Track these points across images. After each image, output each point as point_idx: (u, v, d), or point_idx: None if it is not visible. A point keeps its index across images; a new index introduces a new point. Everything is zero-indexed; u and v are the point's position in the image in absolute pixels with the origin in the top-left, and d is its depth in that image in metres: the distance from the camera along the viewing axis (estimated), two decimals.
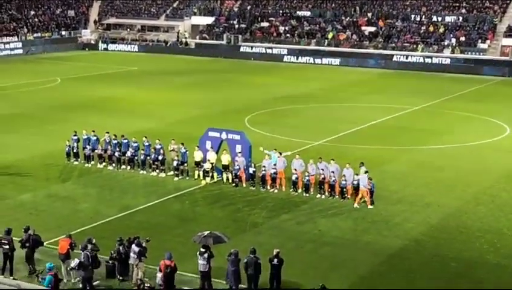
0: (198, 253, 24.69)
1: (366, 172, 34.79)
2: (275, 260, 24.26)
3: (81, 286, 24.50)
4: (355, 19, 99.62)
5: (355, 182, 34.58)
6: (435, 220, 32.29)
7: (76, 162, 41.06)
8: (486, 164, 42.54)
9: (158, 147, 39.26)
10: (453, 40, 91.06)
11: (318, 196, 35.40)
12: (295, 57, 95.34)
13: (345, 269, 26.80)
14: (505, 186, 37.92)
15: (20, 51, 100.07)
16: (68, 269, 25.08)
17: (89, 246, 24.70)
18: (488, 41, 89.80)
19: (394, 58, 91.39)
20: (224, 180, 37.65)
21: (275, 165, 36.58)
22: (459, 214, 33.28)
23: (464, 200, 35.37)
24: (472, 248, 29.17)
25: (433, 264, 27.35)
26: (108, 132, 41.31)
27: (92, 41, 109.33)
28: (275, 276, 24.26)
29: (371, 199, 33.96)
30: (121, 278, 25.50)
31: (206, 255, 24.47)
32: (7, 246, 25.52)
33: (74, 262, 24.47)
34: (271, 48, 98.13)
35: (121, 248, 25.53)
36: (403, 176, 39.49)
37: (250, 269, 24.18)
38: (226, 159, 37.68)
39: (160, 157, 39.02)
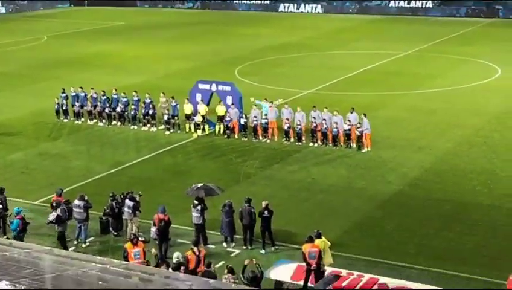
0: (191, 206, 24.67)
1: (364, 114, 34.75)
2: (266, 212, 24.14)
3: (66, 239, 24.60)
4: None
5: (347, 127, 34.47)
6: (428, 164, 32.32)
7: (66, 120, 40.80)
8: (478, 105, 42.47)
9: (148, 101, 39.00)
10: None
11: (311, 144, 35.32)
12: (285, 6, 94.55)
13: (339, 216, 26.85)
14: (496, 127, 37.92)
15: (3, 10, 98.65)
16: (46, 222, 24.95)
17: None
18: None
19: (383, 4, 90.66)
20: (217, 131, 37.47)
21: (266, 115, 36.41)
22: (452, 156, 33.30)
23: (457, 142, 35.38)
24: (465, 190, 29.24)
25: (427, 208, 27.43)
26: (93, 88, 40.95)
27: None
28: (266, 228, 24.20)
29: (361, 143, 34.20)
30: (115, 233, 25.51)
31: (199, 207, 24.43)
32: (0, 206, 25.41)
33: (52, 215, 24.46)
34: None
35: (113, 204, 25.50)
36: (395, 121, 39.41)
37: (245, 219, 24.18)
38: (221, 110, 37.39)
39: (150, 112, 38.78)
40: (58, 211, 24.40)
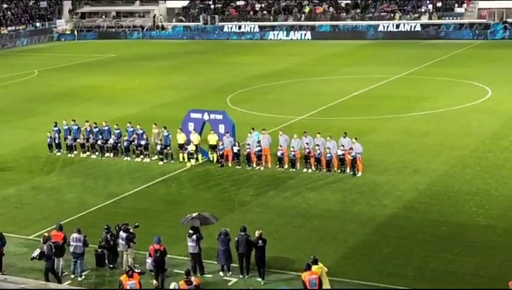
0: (187, 235, 24.57)
1: (355, 138, 34.80)
2: (260, 242, 23.83)
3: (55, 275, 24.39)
4: None
5: (340, 152, 34.50)
6: (423, 186, 32.30)
7: (58, 153, 40.68)
8: (470, 126, 42.62)
9: (140, 132, 38.97)
10: (430, 6, 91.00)
11: (304, 170, 35.30)
12: (274, 34, 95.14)
13: (336, 241, 26.75)
14: (490, 147, 38.00)
15: None
16: (30, 258, 24.72)
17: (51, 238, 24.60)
18: (464, 5, 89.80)
19: (372, 29, 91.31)
20: (212, 159, 37.42)
21: (258, 142, 36.41)
22: (447, 178, 33.32)
23: (451, 164, 35.41)
24: (461, 211, 29.21)
25: (423, 230, 27.37)
26: (87, 121, 40.94)
27: (68, 32, 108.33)
28: (260, 258, 23.87)
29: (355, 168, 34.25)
30: (111, 265, 25.33)
31: (194, 236, 24.32)
32: None
33: (36, 252, 24.29)
34: (248, 26, 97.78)
35: (108, 236, 25.34)
36: (388, 145, 39.45)
37: (242, 247, 24.03)
38: (213, 139, 37.40)
39: (143, 143, 38.76)
40: (45, 247, 24.19)
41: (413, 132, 41.98)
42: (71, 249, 24.56)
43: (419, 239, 26.54)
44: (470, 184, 32.28)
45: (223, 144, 36.77)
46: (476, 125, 42.75)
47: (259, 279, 23.64)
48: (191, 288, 20.63)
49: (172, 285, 20.80)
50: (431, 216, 28.71)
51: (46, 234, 25.24)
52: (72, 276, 24.59)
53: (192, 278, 21.13)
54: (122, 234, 24.85)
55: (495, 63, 65.64)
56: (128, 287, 20.90)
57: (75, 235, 24.69)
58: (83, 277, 24.68)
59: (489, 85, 54.34)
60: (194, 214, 25.31)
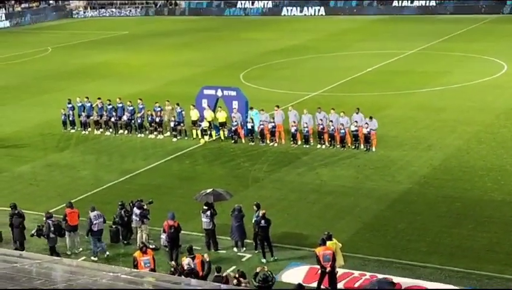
0: (201, 211, 24.61)
1: (370, 118, 34.66)
2: (263, 222, 23.58)
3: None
4: None
5: (354, 128, 34.37)
6: (438, 162, 32.17)
7: (73, 130, 40.81)
8: (486, 102, 42.32)
9: (158, 109, 38.97)
10: None
11: (318, 146, 35.23)
12: (288, 10, 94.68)
13: (350, 217, 26.74)
14: (505, 122, 37.73)
15: (8, 24, 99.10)
16: (30, 235, 24.88)
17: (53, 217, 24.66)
18: None
19: (387, 4, 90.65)
20: (222, 137, 37.46)
21: (273, 119, 36.29)
22: (462, 154, 33.15)
23: (465, 139, 35.22)
24: (476, 186, 29.08)
25: (437, 205, 27.29)
26: (99, 98, 40.99)
27: (81, 9, 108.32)
28: (264, 238, 23.66)
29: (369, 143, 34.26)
30: (125, 241, 25.45)
31: (208, 212, 24.36)
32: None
33: (34, 229, 24.57)
34: (261, 2, 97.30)
35: (122, 212, 25.43)
36: (403, 120, 39.27)
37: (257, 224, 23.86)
38: (221, 116, 37.44)
39: (157, 119, 38.78)
40: (45, 223, 24.30)
41: (428, 107, 41.74)
42: (95, 227, 24.41)
43: (434, 215, 26.47)
44: (485, 160, 32.10)
45: (235, 120, 36.72)
46: (491, 101, 42.45)
47: (264, 260, 23.33)
48: (187, 262, 20.53)
49: (187, 261, 20.79)
50: (445, 192, 28.61)
51: (49, 211, 25.29)
52: (95, 258, 24.42)
53: (195, 256, 20.95)
54: (136, 210, 24.93)
55: (510, 38, 64.96)
56: (142, 264, 20.97)
57: (96, 212, 24.62)
58: (107, 253, 24.70)
59: (505, 60, 53.84)
60: (208, 190, 25.31)
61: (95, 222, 24.37)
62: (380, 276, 21.73)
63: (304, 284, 20.31)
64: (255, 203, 24.48)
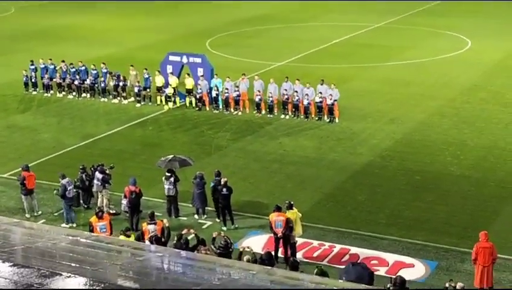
0: (163, 178, 24.57)
1: (334, 85, 34.80)
2: (224, 190, 23.65)
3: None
4: None
5: (318, 99, 34.48)
6: (400, 135, 32.48)
7: (35, 92, 40.33)
8: (450, 77, 42.68)
9: (118, 73, 38.69)
10: None
11: (282, 116, 35.31)
12: None
13: (311, 187, 26.93)
14: (468, 98, 38.15)
15: None
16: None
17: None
18: None
19: None
20: (187, 104, 37.34)
21: (227, 89, 36.21)
22: (424, 128, 33.50)
23: (429, 113, 35.55)
24: (436, 160, 29.46)
25: (398, 178, 27.61)
26: (63, 61, 40.50)
27: None
28: (225, 206, 23.77)
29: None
30: (85, 206, 25.35)
31: (172, 179, 24.35)
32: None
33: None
34: None
35: (83, 176, 25.31)
36: (367, 93, 39.47)
37: (218, 193, 24.00)
38: (189, 82, 37.27)
39: (121, 84, 38.47)
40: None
41: (393, 81, 42.00)
42: (70, 194, 24.11)
43: (394, 187, 26.80)
44: (447, 134, 32.49)
45: (200, 88, 36.59)
46: (456, 76, 42.83)
47: (224, 228, 23.40)
48: (152, 229, 20.52)
49: (152, 227, 20.70)
50: (406, 165, 28.94)
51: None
52: (68, 225, 24.00)
53: (157, 222, 20.91)
54: (98, 175, 24.82)
55: (476, 14, 65.46)
56: (98, 229, 20.78)
57: (68, 179, 24.25)
58: (56, 215, 24.59)
59: (469, 36, 54.25)
60: (170, 156, 25.28)
61: (69, 188, 24.16)
62: (338, 246, 21.99)
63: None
64: (216, 170, 24.51)
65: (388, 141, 31.81)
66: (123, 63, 41.21)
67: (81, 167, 25.58)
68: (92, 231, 20.77)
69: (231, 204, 23.83)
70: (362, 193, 26.38)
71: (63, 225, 23.71)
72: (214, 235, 19.87)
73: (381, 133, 32.87)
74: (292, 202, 21.93)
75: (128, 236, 20.06)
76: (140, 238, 20.29)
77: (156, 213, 22.14)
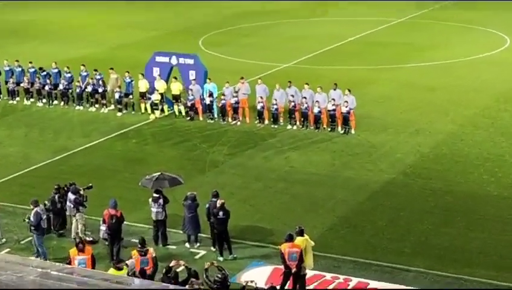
0: (150, 199, 24.40)
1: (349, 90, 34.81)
2: (220, 213, 23.46)
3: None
4: None
5: (331, 106, 34.38)
6: (426, 149, 32.36)
7: None
8: (483, 81, 42.68)
9: (98, 77, 38.66)
10: None
11: (289, 127, 35.22)
12: None
13: (323, 210, 26.76)
14: (505, 106, 38.08)
15: None
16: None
17: None
18: None
19: None
20: (177, 113, 37.27)
21: (211, 95, 36.22)
22: (454, 140, 33.39)
23: (459, 124, 35.47)
24: (470, 179, 29.30)
25: (425, 200, 27.44)
26: (31, 62, 40.51)
27: None
28: (222, 232, 23.56)
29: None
30: (56, 231, 25.10)
31: (160, 201, 24.17)
32: None
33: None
34: None
35: (56, 197, 25.09)
36: (387, 100, 39.44)
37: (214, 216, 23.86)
38: (176, 88, 37.21)
39: (100, 90, 38.44)
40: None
41: (417, 85, 41.95)
42: (44, 223, 23.74)
43: (420, 210, 26.61)
44: (481, 148, 32.37)
45: (192, 94, 36.52)
46: (490, 80, 42.79)
47: (221, 258, 23.24)
48: (144, 260, 20.38)
49: (130, 262, 20.51)
50: (434, 184, 28.78)
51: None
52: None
53: (148, 250, 20.82)
54: (71, 196, 24.64)
55: None
56: (76, 263, 20.43)
57: (42, 206, 23.92)
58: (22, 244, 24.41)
59: (507, 33, 54.23)
60: (156, 174, 25.12)
61: (44, 217, 23.84)
62: (355, 280, 21.82)
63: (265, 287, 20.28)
64: (214, 191, 24.35)
65: (413, 155, 31.69)
66: (102, 64, 41.13)
67: (55, 187, 25.33)
68: (69, 263, 20.41)
69: (229, 230, 23.65)
70: (383, 216, 26.21)
71: (32, 257, 23.42)
72: (205, 266, 19.60)
73: (404, 146, 32.77)
74: (303, 228, 21.74)
75: (120, 269, 19.68)
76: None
77: (137, 241, 21.91)
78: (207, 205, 24.02)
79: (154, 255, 20.72)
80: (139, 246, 20.85)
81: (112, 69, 39.13)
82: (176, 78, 37.55)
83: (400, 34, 55.81)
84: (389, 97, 39.91)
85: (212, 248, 24.02)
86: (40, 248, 23.64)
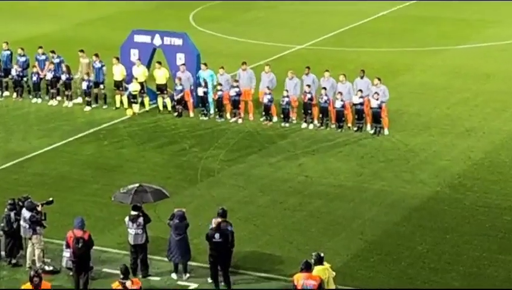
0: (127, 218, 24.35)
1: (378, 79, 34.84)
2: (216, 235, 23.44)
3: None
4: None
5: (357, 99, 34.37)
6: (479, 154, 32.38)
7: None
8: None
9: (56, 61, 38.79)
10: None
11: (304, 125, 35.29)
12: None
13: (347, 232, 26.72)
14: None
15: None
16: None
17: None
18: None
19: None
20: (161, 107, 37.36)
21: (220, 84, 36.25)
22: None
23: None
24: None
25: (477, 219, 27.39)
26: None
27: None
28: (219, 259, 23.48)
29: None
30: (12, 261, 25.04)
31: (140, 220, 24.11)
32: None
33: None
34: None
35: (12, 215, 25.00)
36: (429, 91, 39.51)
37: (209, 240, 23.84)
38: (162, 75, 37.27)
39: (63, 77, 38.52)
40: None
41: (467, 72, 42.06)
42: None
43: (471, 233, 26.54)
44: None
45: (181, 84, 36.56)
46: None
47: None
48: None
49: None
50: (489, 199, 28.75)
51: None
52: None
53: (128, 283, 20.92)
54: (25, 213, 24.58)
55: None
56: None
57: None
58: None
59: None
60: (135, 186, 25.03)
61: None
62: None
63: None
64: (220, 208, 24.28)
65: (462, 162, 31.70)
66: (64, 45, 41.23)
67: (9, 202, 25.25)
68: None
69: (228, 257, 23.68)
70: (424, 240, 26.16)
71: None
72: None
73: (451, 150, 32.80)
74: (322, 254, 21.73)
75: (37, 285, 19.97)
76: None
77: (109, 270, 21.92)
78: (211, 226, 23.86)
79: (141, 285, 20.80)
80: (122, 276, 20.85)
81: (82, 51, 39.28)
82: (160, 62, 37.56)
83: (446, 7, 55.81)
84: (431, 88, 39.96)
85: (208, 280, 24.00)
86: None
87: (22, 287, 20.85)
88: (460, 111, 36.88)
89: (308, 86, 35.33)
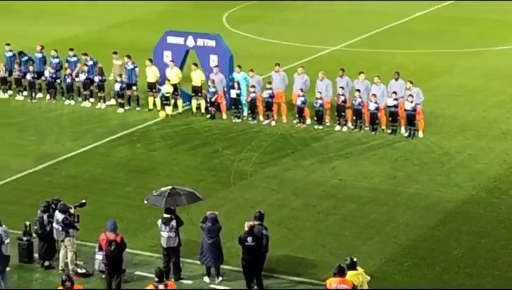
0: (160, 221, 24.48)
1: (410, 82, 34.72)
2: (249, 239, 23.47)
3: None
4: None
5: (392, 102, 34.34)
6: None
7: None
8: None
9: (90, 63, 38.99)
10: None
11: (337, 128, 35.33)
12: None
13: (381, 236, 26.73)
14: None
15: None
16: None
17: None
18: None
19: None
20: (194, 109, 37.47)
21: (253, 86, 36.31)
22: None
23: None
24: None
25: None
26: (8, 44, 40.98)
27: None
28: (251, 263, 23.53)
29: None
30: (42, 262, 25.23)
31: (173, 223, 24.21)
32: None
33: None
34: None
35: (45, 217, 25.11)
36: (466, 93, 39.40)
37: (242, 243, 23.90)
38: (197, 77, 37.39)
39: (96, 79, 38.72)
40: None
41: (504, 74, 41.88)
42: (7, 250, 23.67)
43: (507, 237, 26.46)
44: None
45: (214, 86, 36.67)
46: None
47: None
48: None
49: None
50: None
51: None
52: None
53: (161, 286, 20.99)
54: (58, 215, 24.72)
55: None
56: None
57: (3, 228, 24.05)
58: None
59: None
60: (168, 189, 25.11)
61: (6, 241, 23.85)
62: None
63: None
64: (257, 211, 24.41)
65: (499, 166, 31.61)
66: (95, 47, 41.39)
67: (43, 204, 25.30)
68: None
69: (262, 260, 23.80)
70: (459, 245, 26.13)
71: None
72: None
73: (487, 154, 32.72)
74: (355, 259, 21.79)
75: (69, 289, 20.09)
76: None
77: (142, 273, 22.01)
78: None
79: (175, 288, 20.92)
80: (156, 279, 20.98)
81: (115, 53, 39.45)
82: (195, 64, 37.63)
83: (484, 7, 55.54)
84: (468, 90, 39.87)
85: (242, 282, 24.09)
86: (4, 283, 23.68)
87: None
88: (497, 114, 36.76)
89: (342, 88, 35.38)
